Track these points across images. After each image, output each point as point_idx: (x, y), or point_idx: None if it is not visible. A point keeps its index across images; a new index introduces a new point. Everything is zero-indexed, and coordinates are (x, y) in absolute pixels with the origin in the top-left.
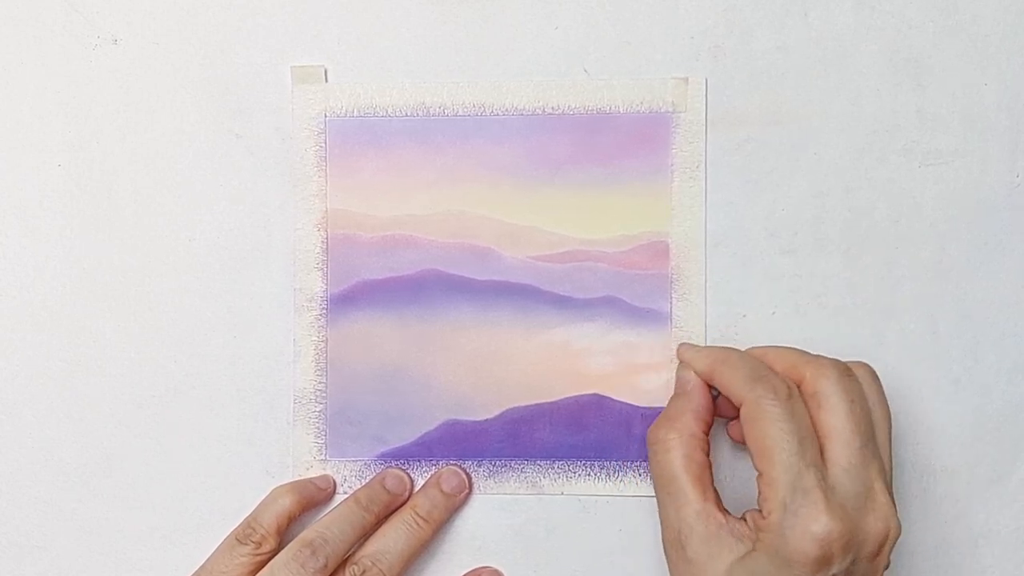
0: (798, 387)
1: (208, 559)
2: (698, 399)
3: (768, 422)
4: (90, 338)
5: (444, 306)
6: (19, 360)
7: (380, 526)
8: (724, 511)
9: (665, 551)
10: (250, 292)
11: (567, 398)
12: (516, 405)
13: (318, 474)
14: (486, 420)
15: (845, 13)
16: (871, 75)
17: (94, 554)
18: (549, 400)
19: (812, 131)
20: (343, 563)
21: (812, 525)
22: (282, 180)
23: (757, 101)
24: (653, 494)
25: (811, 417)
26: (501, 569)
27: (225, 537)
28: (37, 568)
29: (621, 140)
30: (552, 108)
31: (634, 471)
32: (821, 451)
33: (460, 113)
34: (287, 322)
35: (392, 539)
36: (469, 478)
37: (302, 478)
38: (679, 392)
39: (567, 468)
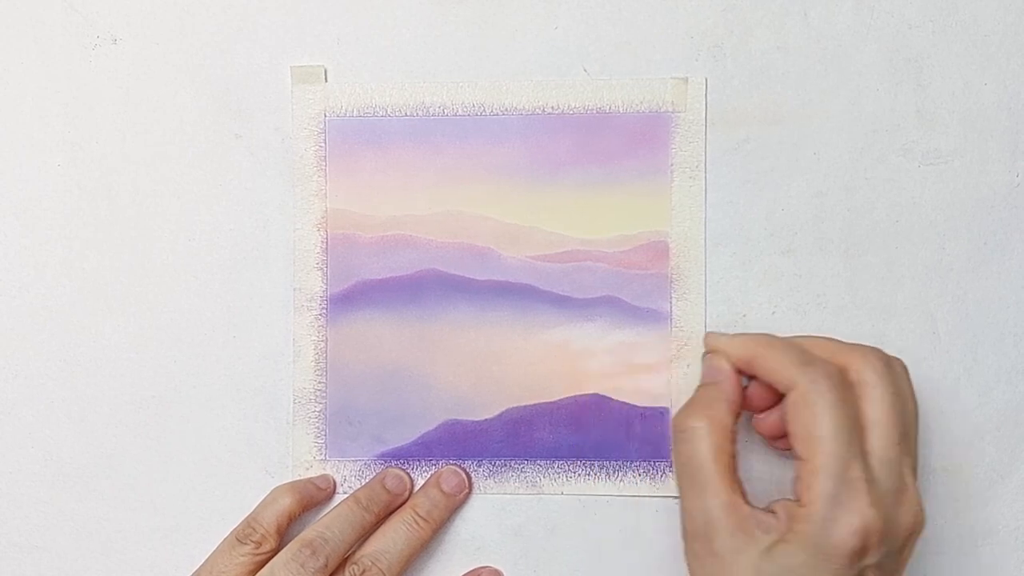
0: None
1: (208, 558)
2: (730, 388)
3: (821, 408)
4: (90, 338)
5: (444, 306)
6: (19, 360)
7: (380, 526)
8: (749, 503)
9: (685, 542)
10: (250, 292)
11: (567, 398)
12: (516, 405)
13: (318, 474)
14: (486, 420)
15: (845, 13)
16: (871, 75)
17: (94, 554)
18: (549, 400)
19: (812, 131)
20: (343, 563)
21: (855, 517)
22: (282, 180)
23: (757, 101)
24: (653, 494)
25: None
26: (501, 569)
27: (225, 537)
28: (37, 568)
29: (621, 140)
30: (552, 108)
31: (634, 471)
32: (864, 442)
33: (460, 113)
34: (287, 322)
35: (392, 539)
36: (469, 478)
37: (302, 478)
38: (708, 381)
39: (567, 468)
